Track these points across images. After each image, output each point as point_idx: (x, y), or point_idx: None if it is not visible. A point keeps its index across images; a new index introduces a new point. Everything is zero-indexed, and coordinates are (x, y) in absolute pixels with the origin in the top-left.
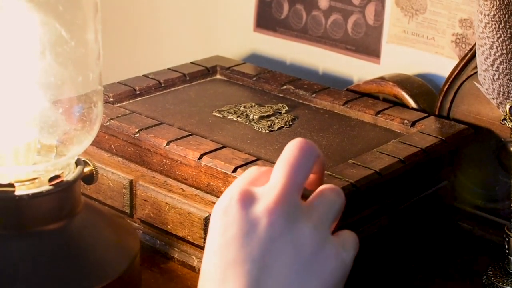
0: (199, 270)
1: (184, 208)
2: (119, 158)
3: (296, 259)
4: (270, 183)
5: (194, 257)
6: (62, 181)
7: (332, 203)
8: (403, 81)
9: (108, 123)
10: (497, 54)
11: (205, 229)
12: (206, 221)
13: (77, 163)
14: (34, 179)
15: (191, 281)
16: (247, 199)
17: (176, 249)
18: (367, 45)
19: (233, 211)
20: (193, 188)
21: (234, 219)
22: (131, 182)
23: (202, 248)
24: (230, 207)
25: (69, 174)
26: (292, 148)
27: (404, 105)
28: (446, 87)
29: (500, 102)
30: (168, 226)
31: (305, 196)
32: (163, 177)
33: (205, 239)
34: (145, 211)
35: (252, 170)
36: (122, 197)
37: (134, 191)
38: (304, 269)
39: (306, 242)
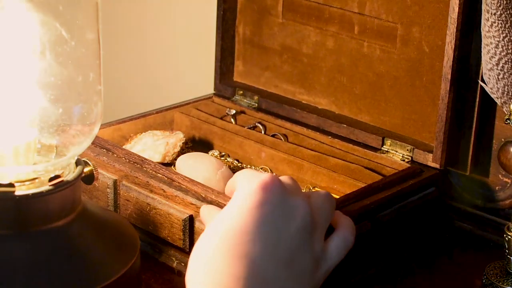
0: (178, 272)
1: (164, 209)
2: (104, 157)
3: (307, 254)
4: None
5: (174, 258)
6: (62, 181)
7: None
8: None
9: None
10: (502, 54)
11: (184, 231)
12: (185, 222)
13: (77, 163)
14: (34, 179)
15: (172, 283)
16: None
17: (157, 250)
18: None
19: (272, 198)
20: (174, 189)
21: (272, 205)
22: (115, 182)
23: (182, 249)
24: (269, 193)
25: (69, 174)
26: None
27: None
28: None
29: (504, 102)
30: (149, 227)
31: None
32: (146, 178)
33: (184, 240)
34: (128, 211)
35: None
36: (106, 196)
37: (118, 191)
38: (309, 262)
39: (315, 246)
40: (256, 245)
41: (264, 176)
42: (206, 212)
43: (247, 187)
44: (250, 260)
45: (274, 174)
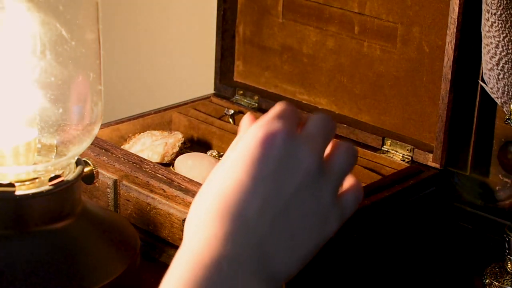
0: None
1: (164, 209)
2: (104, 157)
3: (310, 214)
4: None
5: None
6: (62, 181)
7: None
8: None
9: None
10: (502, 54)
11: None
12: (185, 222)
13: (77, 163)
14: (34, 179)
15: None
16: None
17: (157, 250)
18: None
19: (277, 143)
20: (174, 189)
21: (277, 151)
22: (115, 182)
23: None
24: (275, 138)
25: (69, 174)
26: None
27: None
28: None
29: (504, 102)
30: (149, 227)
31: None
32: (146, 178)
33: None
34: (128, 211)
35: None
36: (106, 196)
37: (118, 191)
38: (309, 227)
39: (324, 199)
40: (253, 202)
41: (273, 127)
42: (243, 123)
43: (252, 137)
44: (244, 219)
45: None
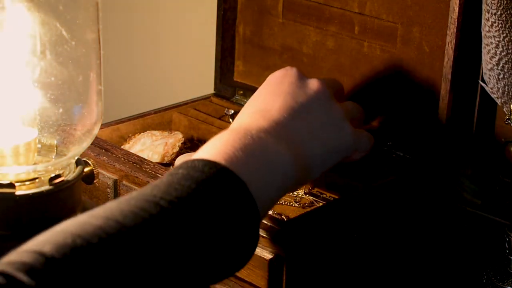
0: None
1: None
2: (104, 157)
3: (325, 121)
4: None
5: None
6: (62, 181)
7: (354, 107)
8: None
9: None
10: (502, 54)
11: None
12: None
13: (77, 163)
14: (34, 179)
15: None
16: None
17: None
18: None
19: (292, 72)
20: None
21: (291, 77)
22: (115, 182)
23: None
24: (289, 70)
25: (69, 174)
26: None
27: None
28: None
29: (505, 102)
30: None
31: None
32: (146, 177)
33: None
34: None
35: None
36: (107, 196)
37: (118, 191)
38: (326, 131)
39: (336, 114)
40: (274, 105)
41: (285, 68)
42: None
43: (270, 75)
44: (269, 113)
45: None
